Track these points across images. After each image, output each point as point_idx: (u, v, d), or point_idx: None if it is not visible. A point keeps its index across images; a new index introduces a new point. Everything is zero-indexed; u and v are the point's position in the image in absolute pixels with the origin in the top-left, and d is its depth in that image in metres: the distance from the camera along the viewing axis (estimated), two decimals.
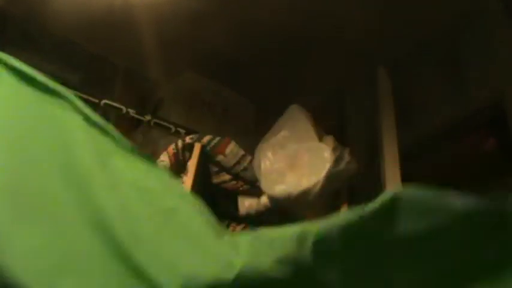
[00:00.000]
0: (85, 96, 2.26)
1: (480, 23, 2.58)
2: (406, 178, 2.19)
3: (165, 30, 2.75)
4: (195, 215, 1.36)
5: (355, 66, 2.79)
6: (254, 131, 2.93)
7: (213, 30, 2.78)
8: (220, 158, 1.97)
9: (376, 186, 2.02)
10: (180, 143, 1.98)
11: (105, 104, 2.25)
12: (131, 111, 2.27)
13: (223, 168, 1.98)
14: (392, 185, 1.95)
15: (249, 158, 1.96)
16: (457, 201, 0.96)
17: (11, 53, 2.48)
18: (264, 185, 1.69)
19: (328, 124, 2.86)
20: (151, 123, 2.30)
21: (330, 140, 1.85)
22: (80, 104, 1.47)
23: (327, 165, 1.69)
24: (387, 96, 2.27)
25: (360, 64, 2.69)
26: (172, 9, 2.66)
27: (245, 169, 1.96)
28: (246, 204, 1.85)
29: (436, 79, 2.69)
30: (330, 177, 1.69)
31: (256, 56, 2.92)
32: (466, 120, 2.49)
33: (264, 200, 1.83)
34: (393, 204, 1.01)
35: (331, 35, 2.79)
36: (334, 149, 1.75)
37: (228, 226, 1.85)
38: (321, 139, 1.79)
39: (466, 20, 2.63)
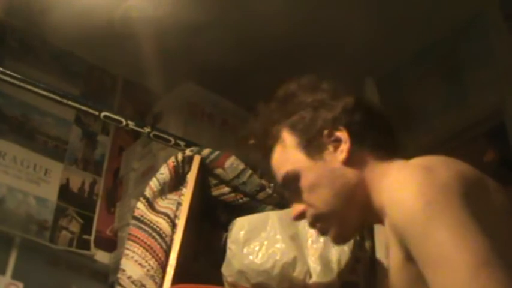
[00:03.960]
0: (85, 109, 2.26)
1: (479, 31, 2.59)
2: None
3: (164, 41, 2.75)
4: None
5: (354, 76, 2.79)
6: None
7: (213, 41, 2.78)
8: (219, 171, 1.96)
9: None
10: (180, 155, 1.98)
11: (105, 116, 2.25)
12: (131, 124, 2.27)
13: (222, 181, 1.98)
14: None
15: (249, 171, 1.96)
16: None
17: (10, 65, 2.50)
18: None
19: None
20: (151, 135, 2.30)
21: None
22: None
23: None
24: None
25: (359, 74, 2.69)
26: (171, 21, 2.67)
27: (244, 183, 1.95)
28: None
29: (435, 89, 2.70)
30: None
31: (256, 67, 2.92)
32: (465, 131, 2.49)
33: None
34: None
35: (330, 45, 2.80)
36: None
37: (227, 238, 1.84)
38: None
39: (465, 29, 2.64)
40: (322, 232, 1.30)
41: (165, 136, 2.32)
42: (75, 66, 3.02)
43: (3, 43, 2.83)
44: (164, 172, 1.97)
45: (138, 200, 1.98)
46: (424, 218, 1.02)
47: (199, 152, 1.98)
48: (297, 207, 1.29)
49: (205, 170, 1.97)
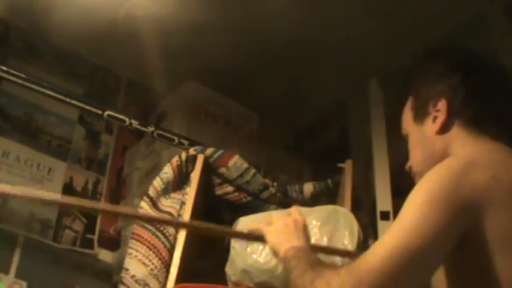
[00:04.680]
0: (88, 108, 2.27)
1: (481, 31, 2.59)
2: (403, 189, 2.18)
3: (167, 41, 2.75)
4: None
5: (357, 77, 2.80)
6: (257, 141, 2.94)
7: (216, 41, 2.79)
8: (222, 170, 1.97)
9: (370, 197, 2.03)
10: (183, 154, 1.98)
11: (108, 115, 2.26)
12: (134, 123, 2.28)
13: (225, 180, 1.98)
14: (383, 196, 1.95)
15: (252, 171, 1.96)
16: None
17: (13, 65, 2.50)
18: None
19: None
20: (155, 135, 2.31)
21: None
22: None
23: None
24: (378, 108, 2.28)
25: (362, 75, 2.69)
26: (174, 21, 2.67)
27: (247, 182, 1.96)
28: None
29: None
30: None
31: (259, 67, 2.92)
32: None
33: None
34: None
35: (333, 46, 2.80)
36: None
37: None
38: None
39: (466, 28, 2.64)
40: None
41: (169, 135, 2.33)
42: (79, 66, 3.02)
43: (7, 43, 2.84)
44: (168, 171, 1.97)
45: (141, 199, 1.99)
46: (413, 198, 1.12)
47: (202, 151, 1.98)
48: (409, 162, 1.42)
49: (209, 169, 1.97)
